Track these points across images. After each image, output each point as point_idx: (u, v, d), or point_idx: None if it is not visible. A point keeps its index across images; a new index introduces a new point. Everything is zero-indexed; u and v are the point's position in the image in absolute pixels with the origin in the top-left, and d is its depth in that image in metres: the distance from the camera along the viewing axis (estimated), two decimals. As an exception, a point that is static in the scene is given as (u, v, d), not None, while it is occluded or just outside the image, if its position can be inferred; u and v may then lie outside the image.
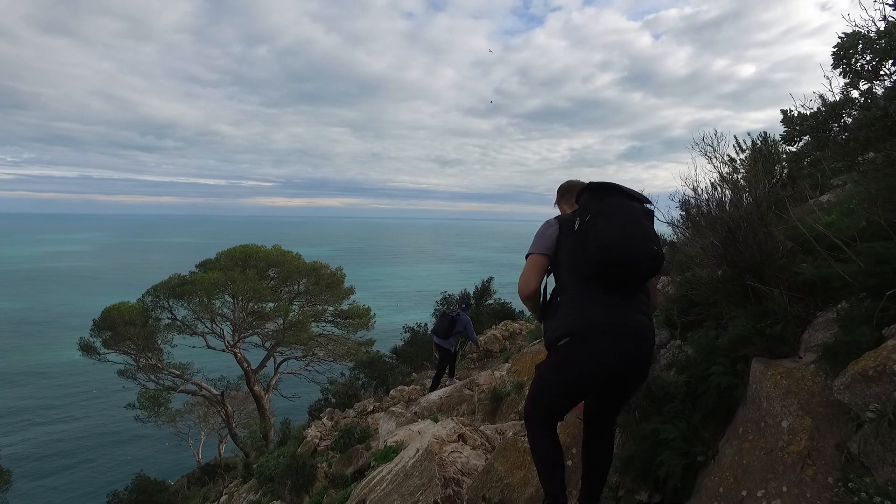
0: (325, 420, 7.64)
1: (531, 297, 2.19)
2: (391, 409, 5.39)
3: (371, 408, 7.88)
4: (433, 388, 7.93)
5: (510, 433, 3.70)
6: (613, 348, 1.98)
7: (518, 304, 15.79)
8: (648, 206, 2.21)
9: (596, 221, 2.05)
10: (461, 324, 7.70)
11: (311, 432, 7.20)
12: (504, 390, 4.94)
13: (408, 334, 14.32)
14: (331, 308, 20.05)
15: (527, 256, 2.23)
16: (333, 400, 9.87)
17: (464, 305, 8.58)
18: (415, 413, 6.03)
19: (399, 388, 8.47)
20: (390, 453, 4.16)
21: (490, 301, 15.75)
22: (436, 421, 4.80)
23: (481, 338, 10.48)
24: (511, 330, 12.06)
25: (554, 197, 2.59)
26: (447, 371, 7.92)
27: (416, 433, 4.42)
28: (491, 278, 16.05)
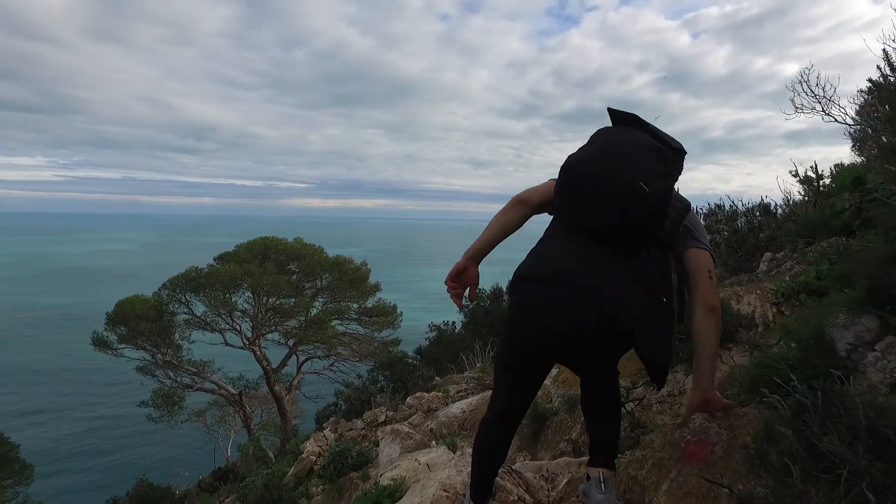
0: (327, 432, 6.38)
1: (522, 200, 1.80)
2: (397, 427, 4.06)
3: (383, 418, 6.58)
4: None
5: (562, 481, 2.35)
6: (552, 307, 1.53)
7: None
8: (676, 147, 1.62)
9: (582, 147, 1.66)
10: None
11: (309, 447, 5.94)
12: (548, 407, 3.55)
13: (433, 333, 12.99)
14: (355, 305, 18.93)
15: None
16: (344, 406, 8.62)
17: None
18: (430, 430, 4.70)
19: (417, 395, 7.15)
20: (383, 499, 2.82)
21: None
22: (453, 449, 3.45)
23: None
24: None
25: None
26: None
27: (424, 467, 3.09)
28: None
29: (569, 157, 1.63)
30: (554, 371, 5.35)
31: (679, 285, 1.69)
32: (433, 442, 3.96)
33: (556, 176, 1.69)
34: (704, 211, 4.79)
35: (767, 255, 3.71)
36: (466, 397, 7.42)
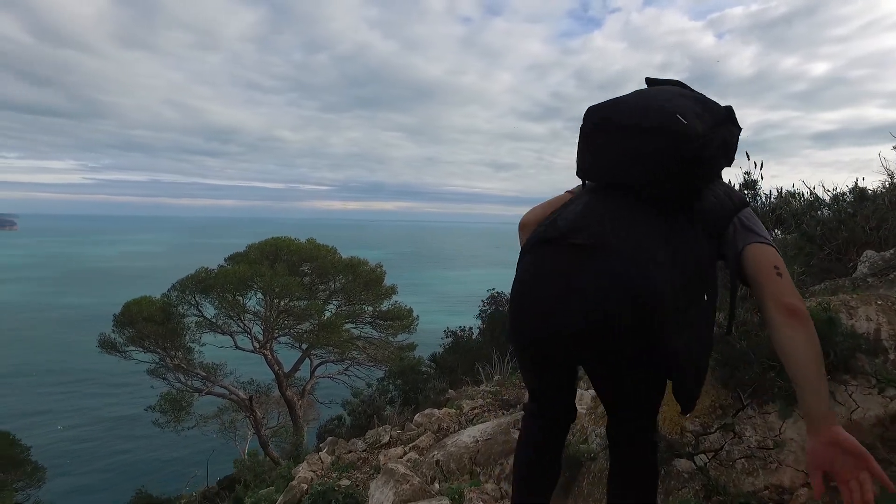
0: (323, 454, 5.64)
1: (522, 225, 1.53)
2: (392, 466, 3.29)
3: (387, 438, 5.82)
4: None
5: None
6: (561, 284, 1.17)
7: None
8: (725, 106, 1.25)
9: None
10: None
11: (302, 472, 5.21)
12: (583, 449, 2.74)
13: (449, 339, 12.20)
14: (369, 308, 18.26)
15: None
16: (349, 420, 7.88)
17: None
18: (436, 462, 3.92)
19: (427, 412, 6.38)
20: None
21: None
22: (459, 499, 2.66)
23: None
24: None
25: None
26: None
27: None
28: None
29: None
30: (588, 392, 4.52)
31: (731, 292, 1.29)
32: (436, 484, 3.19)
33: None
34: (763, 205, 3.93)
35: (869, 253, 2.85)
36: (481, 416, 6.62)
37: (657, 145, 1.15)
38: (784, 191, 3.65)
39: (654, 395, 1.36)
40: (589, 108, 1.29)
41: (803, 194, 3.40)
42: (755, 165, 3.20)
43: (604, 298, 1.12)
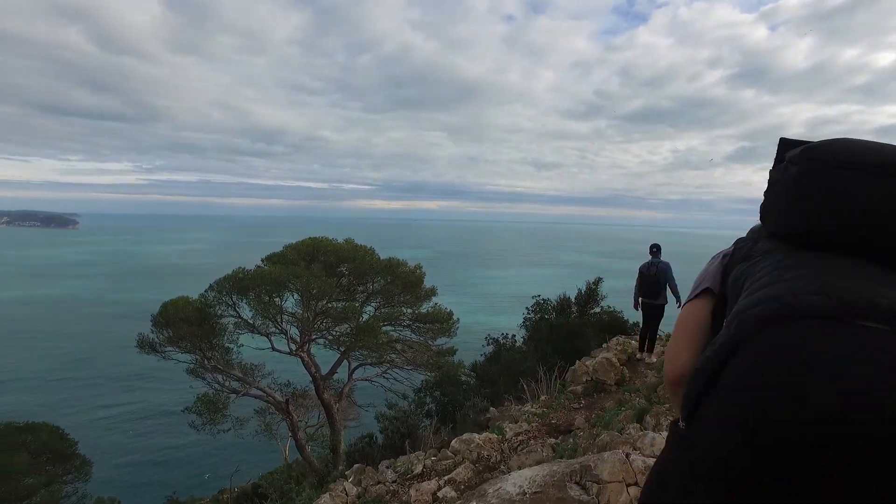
0: (348, 484, 5.01)
1: (676, 382, 1.02)
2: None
3: (420, 468, 5.14)
4: (643, 346, 8.21)
5: None
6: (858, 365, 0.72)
7: (632, 314, 12.45)
8: None
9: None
10: (663, 270, 7.57)
11: (323, 506, 4.60)
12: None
13: (490, 347, 11.42)
14: (408, 311, 17.68)
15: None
16: (380, 439, 7.22)
17: (654, 250, 7.91)
18: (474, 518, 3.20)
19: (466, 437, 5.67)
20: None
21: (596, 309, 12.43)
22: None
23: (591, 363, 7.39)
24: (629, 351, 8.83)
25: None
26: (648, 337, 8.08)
27: None
28: (600, 279, 12.70)
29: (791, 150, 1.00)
30: (648, 435, 3.69)
31: None
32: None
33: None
34: None
35: None
36: (526, 443, 5.87)
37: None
38: None
39: None
40: (808, 146, 0.99)
41: None
42: None
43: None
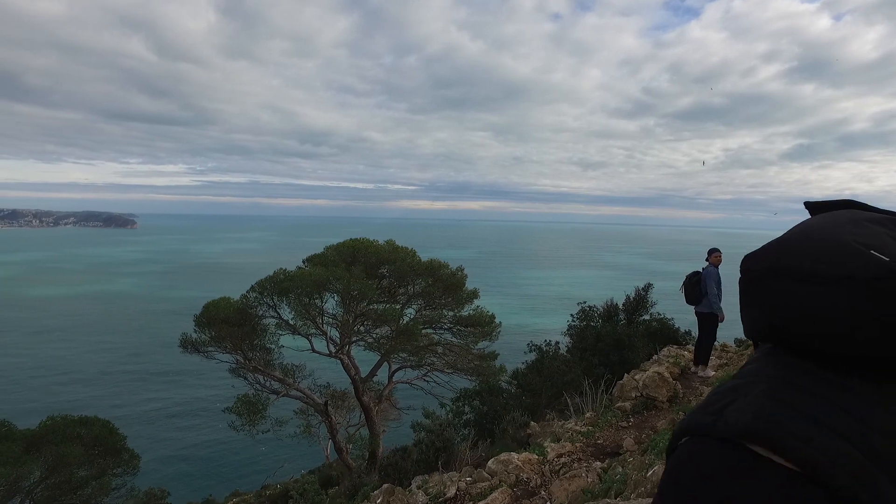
0: (376, 505, 4.70)
1: None
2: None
3: (453, 491, 4.78)
4: (697, 359, 7.75)
5: None
6: None
7: (685, 322, 11.67)
8: None
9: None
10: (704, 279, 7.29)
11: (349, 530, 4.30)
12: None
13: (533, 354, 10.93)
14: (449, 313, 17.33)
15: None
16: (415, 454, 6.87)
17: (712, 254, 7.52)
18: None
19: (504, 456, 5.27)
20: None
21: (645, 316, 11.71)
22: None
23: (640, 377, 6.82)
24: (682, 363, 8.19)
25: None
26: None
27: None
28: (650, 284, 11.99)
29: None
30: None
31: None
32: None
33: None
34: None
35: None
36: (570, 466, 5.42)
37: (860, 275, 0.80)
38: None
39: None
40: (771, 246, 0.92)
41: None
42: None
43: None
